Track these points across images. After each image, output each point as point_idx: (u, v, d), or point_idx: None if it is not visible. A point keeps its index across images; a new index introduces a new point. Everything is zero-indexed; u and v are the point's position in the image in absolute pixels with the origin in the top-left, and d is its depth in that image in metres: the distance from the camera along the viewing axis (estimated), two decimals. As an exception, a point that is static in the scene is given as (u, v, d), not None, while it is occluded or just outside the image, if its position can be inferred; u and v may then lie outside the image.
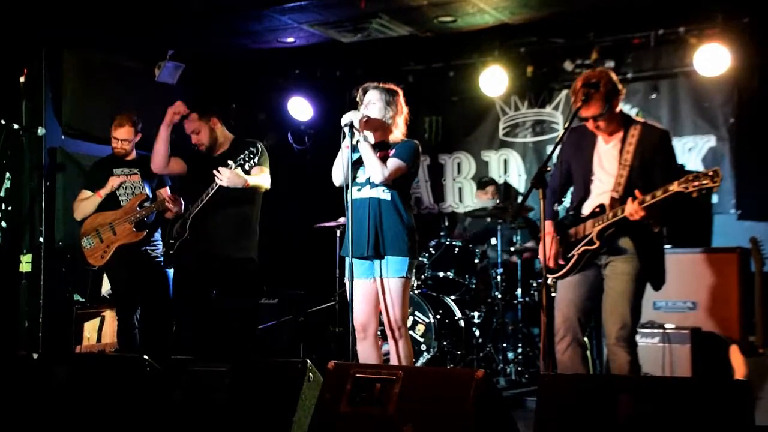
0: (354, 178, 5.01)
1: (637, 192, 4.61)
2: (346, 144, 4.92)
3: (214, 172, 5.68)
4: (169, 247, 6.07)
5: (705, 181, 4.40)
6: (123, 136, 6.53)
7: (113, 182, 6.45)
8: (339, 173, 5.06)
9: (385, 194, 4.98)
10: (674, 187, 4.47)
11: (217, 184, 5.73)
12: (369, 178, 4.99)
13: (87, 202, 6.52)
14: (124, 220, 6.41)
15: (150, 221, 6.52)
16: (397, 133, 5.10)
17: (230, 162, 5.70)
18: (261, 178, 5.93)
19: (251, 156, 5.71)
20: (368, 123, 4.99)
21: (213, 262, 5.95)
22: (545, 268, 4.71)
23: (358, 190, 5.02)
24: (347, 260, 4.97)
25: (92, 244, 6.47)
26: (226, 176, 5.68)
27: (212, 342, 5.93)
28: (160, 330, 6.48)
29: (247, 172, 5.79)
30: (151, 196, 6.57)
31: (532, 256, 7.71)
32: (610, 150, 4.87)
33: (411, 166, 5.00)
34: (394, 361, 5.04)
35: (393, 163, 4.94)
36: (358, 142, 4.94)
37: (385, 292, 4.95)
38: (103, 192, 6.45)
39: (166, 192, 6.55)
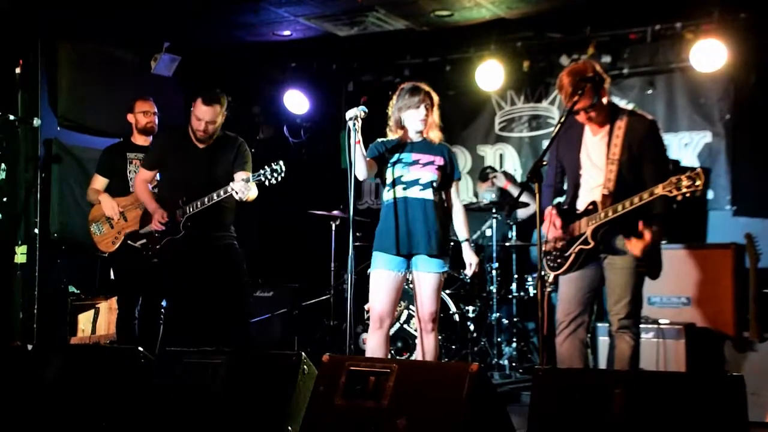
0: (400, 176, 5.12)
1: (641, 224, 4.65)
2: (355, 139, 4.91)
3: (232, 185, 5.49)
4: (156, 241, 5.91)
5: (686, 183, 4.40)
6: (151, 108, 6.55)
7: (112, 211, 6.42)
8: (362, 167, 5.02)
9: (434, 196, 5.16)
10: (659, 190, 4.49)
11: (228, 194, 5.55)
12: (418, 179, 5.12)
13: (102, 205, 6.49)
14: (135, 206, 6.37)
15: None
16: (437, 130, 5.27)
17: (248, 175, 5.56)
18: (254, 191, 5.76)
19: (274, 174, 5.49)
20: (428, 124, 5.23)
21: (202, 253, 5.82)
22: (541, 263, 4.73)
23: (405, 189, 5.12)
24: (377, 253, 5.12)
25: (102, 230, 6.44)
26: (245, 192, 5.48)
27: (207, 332, 5.87)
28: (158, 322, 6.45)
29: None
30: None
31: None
32: (598, 143, 4.88)
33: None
34: (426, 350, 5.16)
35: (458, 186, 5.34)
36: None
37: (424, 286, 5.11)
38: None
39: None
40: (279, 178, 5.50)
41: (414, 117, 5.16)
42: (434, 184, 5.13)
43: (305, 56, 8.88)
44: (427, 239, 5.07)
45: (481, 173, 8.34)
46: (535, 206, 4.64)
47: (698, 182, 4.36)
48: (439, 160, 5.18)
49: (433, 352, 5.16)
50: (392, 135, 5.23)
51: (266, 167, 5.50)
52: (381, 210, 5.25)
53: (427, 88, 5.27)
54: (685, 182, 4.40)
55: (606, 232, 4.79)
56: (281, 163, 5.50)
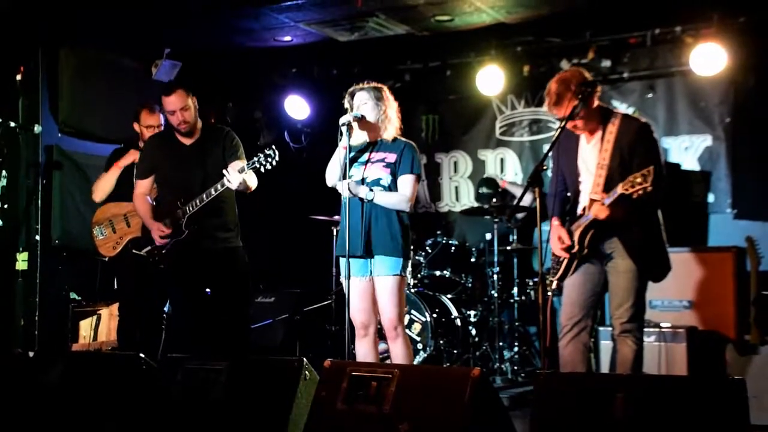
0: (351, 176, 5.02)
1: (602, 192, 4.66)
2: (343, 144, 4.92)
3: (224, 173, 5.45)
4: (160, 247, 5.82)
5: (639, 180, 4.44)
6: (157, 122, 6.47)
7: (133, 155, 6.34)
8: (333, 173, 5.07)
9: None
10: (619, 189, 4.53)
11: (224, 186, 5.49)
12: (365, 178, 5.03)
13: (105, 180, 6.43)
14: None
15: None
16: (391, 130, 5.11)
17: (242, 164, 5.49)
18: (254, 180, 5.73)
19: (269, 160, 5.41)
20: (363, 123, 5.03)
21: (206, 255, 5.76)
22: (542, 267, 4.74)
23: None
24: (343, 259, 4.95)
25: (105, 234, 6.43)
26: (237, 180, 5.43)
27: (210, 337, 5.84)
28: (161, 328, 6.44)
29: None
30: None
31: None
32: (591, 149, 4.89)
33: (420, 173, 5.11)
34: (394, 360, 5.06)
35: (407, 182, 5.04)
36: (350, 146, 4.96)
37: (380, 290, 4.99)
38: (122, 163, 6.37)
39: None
40: (273, 163, 5.44)
41: (359, 99, 5.10)
42: (382, 182, 5.03)
43: (306, 62, 8.89)
44: (374, 239, 4.98)
45: (479, 195, 8.26)
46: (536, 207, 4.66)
47: (649, 179, 4.42)
48: (391, 157, 5.07)
49: (404, 359, 5.04)
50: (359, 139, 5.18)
51: (260, 154, 5.44)
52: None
53: (376, 84, 5.21)
54: (638, 179, 4.47)
55: (593, 236, 4.80)
56: (274, 147, 5.47)
